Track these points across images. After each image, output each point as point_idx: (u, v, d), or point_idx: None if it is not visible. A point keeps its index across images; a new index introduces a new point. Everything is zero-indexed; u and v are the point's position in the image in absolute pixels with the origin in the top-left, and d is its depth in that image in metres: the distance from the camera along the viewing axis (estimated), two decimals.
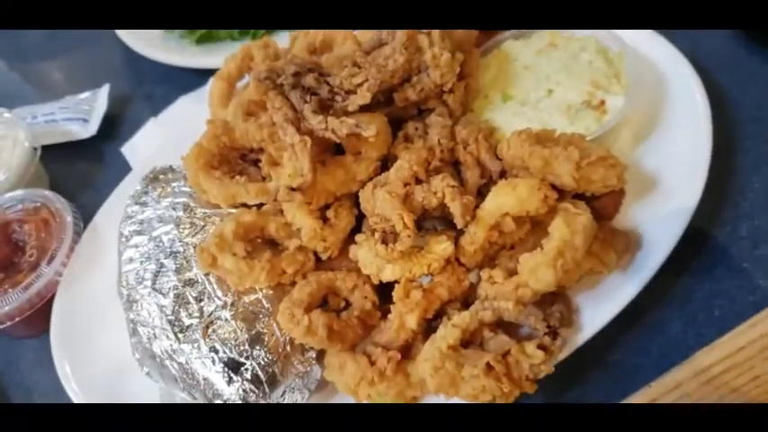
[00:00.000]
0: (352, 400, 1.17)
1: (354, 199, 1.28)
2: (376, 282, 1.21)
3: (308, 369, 1.20)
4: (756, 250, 1.23)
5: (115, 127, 2.04)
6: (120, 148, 1.93)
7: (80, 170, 1.95)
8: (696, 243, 1.24)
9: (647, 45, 1.42)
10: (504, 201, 1.13)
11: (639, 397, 1.15)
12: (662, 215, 1.21)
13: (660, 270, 1.15)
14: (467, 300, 1.23)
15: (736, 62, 1.46)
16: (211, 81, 1.64)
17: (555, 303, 1.15)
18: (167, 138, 1.80)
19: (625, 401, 1.15)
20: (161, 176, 1.50)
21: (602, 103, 1.28)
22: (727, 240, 1.25)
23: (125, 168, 1.85)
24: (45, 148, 1.86)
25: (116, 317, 1.36)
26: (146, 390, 1.30)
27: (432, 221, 1.30)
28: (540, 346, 1.07)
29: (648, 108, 1.35)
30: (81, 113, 2.00)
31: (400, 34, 1.25)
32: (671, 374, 1.15)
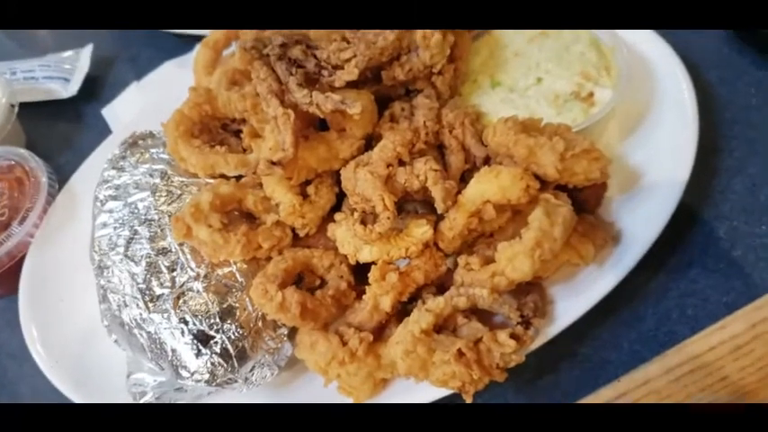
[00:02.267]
0: (321, 379, 1.16)
1: (336, 176, 1.26)
2: (353, 262, 1.20)
3: (279, 346, 1.19)
4: (733, 252, 1.23)
5: (97, 88, 2.00)
6: (101, 110, 1.90)
7: (59, 131, 1.91)
8: (674, 241, 1.24)
9: (641, 40, 1.41)
10: (486, 188, 1.12)
11: (608, 391, 1.15)
12: (643, 211, 1.21)
13: (637, 266, 1.15)
14: (443, 284, 1.22)
15: (727, 62, 1.45)
16: (197, 47, 1.61)
17: (530, 293, 1.15)
18: (149, 102, 1.77)
19: (594, 394, 1.15)
20: (140, 142, 1.47)
21: (591, 94, 1.27)
22: (705, 240, 1.25)
23: (105, 131, 1.82)
24: (23, 106, 1.82)
25: (87, 282, 1.33)
26: (113, 356, 1.28)
27: (413, 204, 1.29)
28: (513, 336, 1.07)
29: (637, 103, 1.34)
30: (62, 72, 1.96)
31: None
32: (640, 370, 1.15)
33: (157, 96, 1.76)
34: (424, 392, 1.12)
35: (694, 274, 1.22)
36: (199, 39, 1.69)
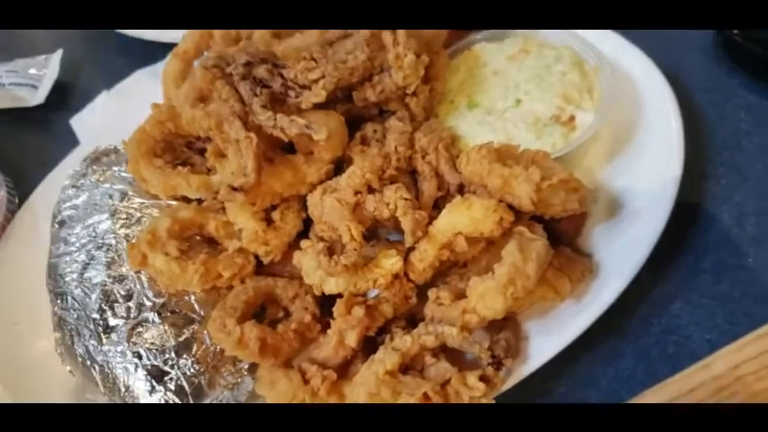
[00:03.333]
0: None
1: (303, 201, 1.20)
2: (318, 293, 1.14)
3: (239, 381, 1.13)
4: (718, 285, 1.17)
5: (66, 96, 1.93)
6: (69, 119, 1.82)
7: (25, 140, 1.85)
8: (657, 273, 1.18)
9: (626, 59, 1.35)
10: (458, 220, 1.06)
11: None
12: (624, 242, 1.15)
13: (616, 301, 1.10)
14: (414, 316, 1.17)
15: (716, 83, 1.39)
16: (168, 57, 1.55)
17: (503, 330, 1.10)
18: (119, 113, 1.70)
19: None
20: (104, 158, 1.41)
21: (572, 118, 1.22)
22: (689, 273, 1.19)
23: (73, 141, 1.75)
24: None
25: (45, 305, 1.27)
26: (69, 385, 1.22)
27: (387, 229, 1.23)
28: (483, 378, 1.01)
29: (620, 126, 1.28)
30: (30, 79, 1.89)
31: (364, 30, 1.17)
32: None
33: (127, 107, 1.69)
34: None
35: (677, 309, 1.17)
36: (172, 46, 1.63)
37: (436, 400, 0.98)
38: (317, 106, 1.17)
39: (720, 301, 1.16)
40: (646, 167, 1.23)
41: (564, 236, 1.16)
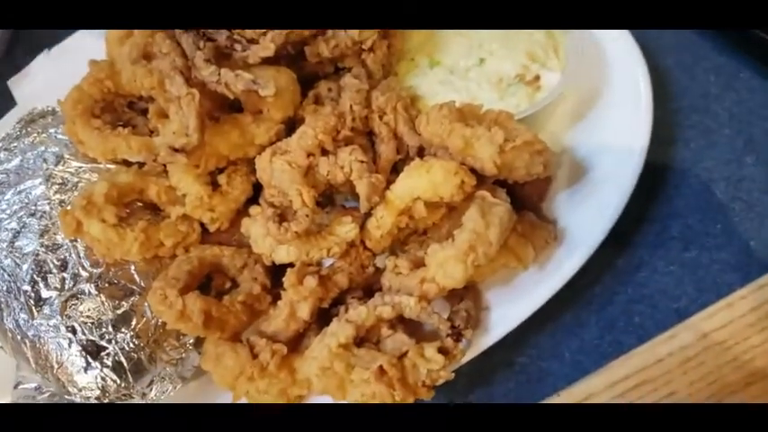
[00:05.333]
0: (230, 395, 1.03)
1: (252, 165, 1.12)
2: (268, 262, 1.07)
3: (184, 356, 1.07)
4: (686, 253, 1.14)
5: (8, 56, 1.80)
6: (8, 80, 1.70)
7: None
8: (623, 240, 1.15)
9: None
10: (417, 184, 1.00)
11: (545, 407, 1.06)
12: (589, 208, 1.11)
13: (581, 269, 1.05)
14: (371, 287, 1.11)
15: (685, 46, 1.33)
16: None
17: (463, 299, 1.04)
18: (60, 74, 1.58)
19: None
20: (39, 120, 1.31)
21: (537, 78, 1.16)
22: (656, 240, 1.16)
23: (11, 104, 1.64)
24: None
25: None
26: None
27: (344, 194, 1.16)
28: (441, 350, 0.96)
29: (587, 88, 1.22)
30: None
31: None
32: (582, 384, 1.06)
33: (69, 68, 1.57)
34: None
35: (643, 278, 1.13)
36: None
37: (392, 373, 0.93)
38: (267, 61, 1.09)
39: (688, 269, 1.13)
40: (613, 131, 1.18)
41: (527, 201, 1.11)
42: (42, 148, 1.22)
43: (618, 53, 1.24)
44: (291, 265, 1.06)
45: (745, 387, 1.02)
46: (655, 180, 1.19)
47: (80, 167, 1.18)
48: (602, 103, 1.22)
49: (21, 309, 1.05)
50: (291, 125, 1.15)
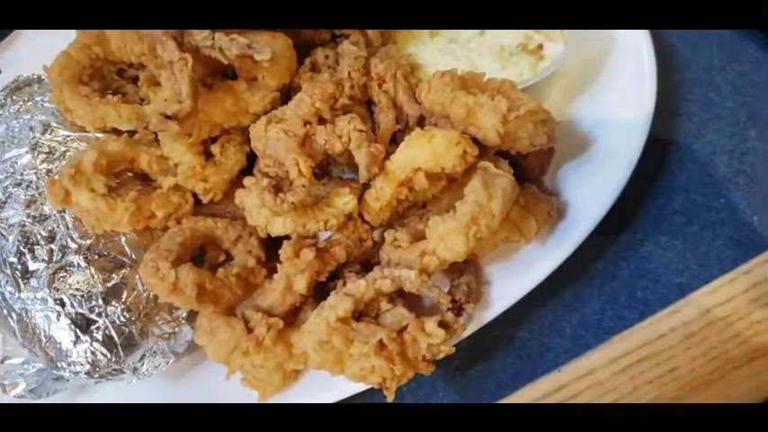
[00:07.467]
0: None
1: (247, 134, 1.09)
2: (263, 235, 1.04)
3: (176, 330, 1.04)
4: (689, 227, 1.12)
5: None
6: None
7: None
8: (625, 214, 1.12)
9: None
10: (418, 154, 0.97)
11: (547, 381, 1.04)
12: (592, 181, 1.09)
13: (583, 243, 1.03)
14: (369, 261, 1.08)
15: None
16: None
17: (464, 273, 1.02)
18: (47, 42, 1.54)
19: (531, 385, 1.04)
20: (25, 88, 1.26)
21: (540, 47, 1.14)
22: (659, 214, 1.14)
23: None
24: None
25: None
26: None
27: (341, 167, 1.13)
28: (442, 324, 0.93)
29: (590, 59, 1.19)
30: None
31: None
32: (583, 359, 1.05)
33: (57, 35, 1.53)
34: (342, 387, 0.99)
35: (646, 252, 1.11)
36: None
37: (392, 347, 0.90)
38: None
39: (691, 244, 1.11)
40: (616, 103, 1.16)
41: (529, 173, 1.08)
42: (28, 117, 1.18)
43: None
44: (287, 237, 1.04)
45: (748, 362, 1.01)
46: (657, 154, 1.17)
47: (68, 136, 1.14)
48: (605, 75, 1.20)
49: (7, 281, 1.02)
50: (287, 93, 1.11)
